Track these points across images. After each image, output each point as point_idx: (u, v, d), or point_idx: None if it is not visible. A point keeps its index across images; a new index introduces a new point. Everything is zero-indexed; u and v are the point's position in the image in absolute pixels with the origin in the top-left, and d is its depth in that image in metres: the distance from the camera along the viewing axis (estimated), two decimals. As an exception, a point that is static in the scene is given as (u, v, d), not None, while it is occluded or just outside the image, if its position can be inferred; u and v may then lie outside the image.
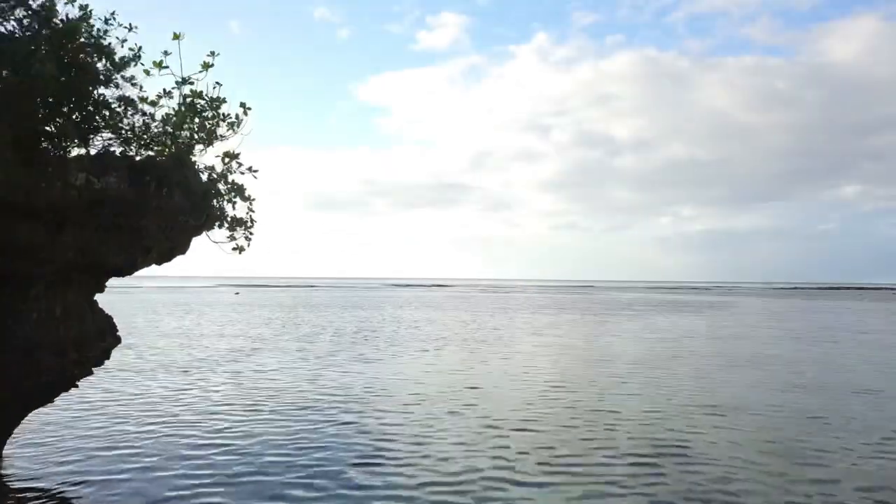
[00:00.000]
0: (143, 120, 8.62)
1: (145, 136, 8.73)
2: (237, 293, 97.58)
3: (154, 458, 9.58)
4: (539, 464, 9.50)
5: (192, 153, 9.59)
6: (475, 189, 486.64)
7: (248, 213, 10.58)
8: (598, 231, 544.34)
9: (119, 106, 8.24)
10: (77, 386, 9.35)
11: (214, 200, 10.20)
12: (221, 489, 8.32)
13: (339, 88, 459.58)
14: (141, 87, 8.46)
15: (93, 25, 7.84)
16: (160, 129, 8.77)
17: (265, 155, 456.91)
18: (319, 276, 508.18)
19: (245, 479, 8.73)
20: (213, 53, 8.80)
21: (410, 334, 30.13)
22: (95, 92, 7.94)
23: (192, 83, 8.74)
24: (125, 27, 8.19)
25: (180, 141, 9.24)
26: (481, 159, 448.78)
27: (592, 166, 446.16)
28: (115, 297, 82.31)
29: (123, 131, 8.40)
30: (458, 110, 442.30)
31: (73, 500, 7.99)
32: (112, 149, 8.41)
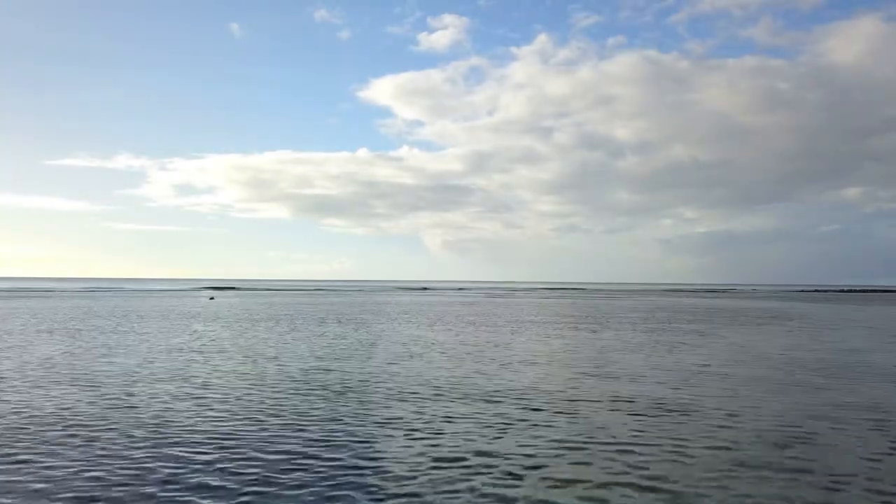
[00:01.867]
0: None
1: None
2: (212, 298, 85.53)
3: None
4: None
5: None
6: (476, 191, 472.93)
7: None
8: (600, 233, 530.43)
9: None
10: None
11: None
12: None
13: (340, 90, 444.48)
14: None
15: None
16: None
17: (262, 160, 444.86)
18: (320, 280, 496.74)
19: None
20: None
21: (394, 382, 17.68)
22: None
23: None
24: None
25: None
26: (482, 161, 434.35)
27: (594, 168, 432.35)
28: (61, 302, 69.39)
29: None
30: (458, 112, 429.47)
31: None
32: None
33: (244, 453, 10.12)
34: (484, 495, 8.25)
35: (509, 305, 71.19)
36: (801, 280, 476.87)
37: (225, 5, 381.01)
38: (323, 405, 13.93)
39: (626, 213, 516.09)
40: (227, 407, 13.67)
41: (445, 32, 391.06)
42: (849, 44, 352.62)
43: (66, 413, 12.95)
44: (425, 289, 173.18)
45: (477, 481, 8.79)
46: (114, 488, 8.41)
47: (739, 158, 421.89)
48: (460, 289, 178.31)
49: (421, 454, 10.13)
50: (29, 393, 15.13)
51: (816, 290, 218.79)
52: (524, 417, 12.87)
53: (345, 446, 10.58)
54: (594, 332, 34.76)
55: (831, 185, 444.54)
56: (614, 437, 11.30)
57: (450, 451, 10.28)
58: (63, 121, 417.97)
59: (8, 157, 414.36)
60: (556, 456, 10.09)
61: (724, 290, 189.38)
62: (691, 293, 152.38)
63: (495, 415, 13.08)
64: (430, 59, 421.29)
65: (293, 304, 70.08)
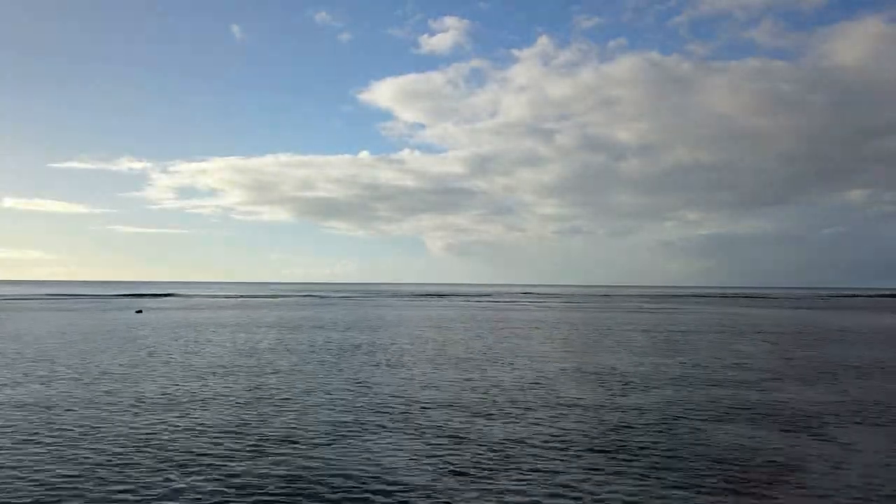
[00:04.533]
0: None
1: None
2: (139, 311, 63.27)
3: None
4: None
5: None
6: (478, 193, 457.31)
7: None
8: (603, 235, 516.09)
9: None
10: None
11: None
12: None
13: (341, 93, 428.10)
14: None
15: None
16: None
17: (263, 162, 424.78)
18: (320, 283, 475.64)
19: None
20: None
21: None
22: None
23: None
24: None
25: None
26: (484, 164, 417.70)
27: (596, 171, 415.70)
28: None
29: None
30: (460, 114, 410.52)
31: None
32: None
33: None
34: None
35: (551, 325, 48.65)
36: (805, 282, 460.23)
37: (226, 7, 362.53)
38: None
39: (629, 216, 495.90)
40: None
41: (446, 35, 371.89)
42: (852, 45, 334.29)
43: None
44: (431, 295, 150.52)
45: None
46: None
47: (742, 161, 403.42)
48: (481, 295, 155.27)
49: None
50: None
51: (855, 296, 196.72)
52: None
53: None
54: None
55: (835, 187, 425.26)
56: None
57: None
58: (65, 124, 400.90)
59: (11, 161, 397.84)
60: None
61: (757, 296, 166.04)
62: (722, 299, 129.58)
63: None
64: (431, 62, 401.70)
65: (238, 324, 47.83)
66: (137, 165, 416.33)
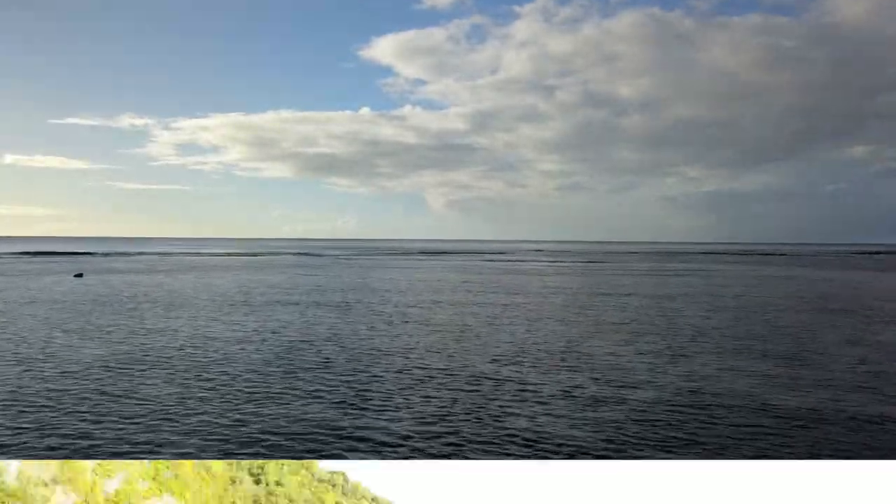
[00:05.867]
0: None
1: None
2: (80, 275, 52.31)
3: None
4: None
5: None
6: (479, 150, 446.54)
7: None
8: (604, 191, 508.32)
9: None
10: None
11: None
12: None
13: (341, 49, 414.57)
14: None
15: None
16: None
17: (265, 119, 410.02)
18: (320, 238, 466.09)
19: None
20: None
21: None
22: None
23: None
24: None
25: None
26: (485, 120, 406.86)
27: (597, 127, 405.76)
28: None
29: None
30: (461, 70, 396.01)
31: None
32: None
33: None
34: None
35: (591, 297, 37.39)
36: (807, 238, 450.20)
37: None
38: None
39: (631, 172, 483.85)
40: None
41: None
42: (854, 1, 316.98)
43: None
44: (433, 252, 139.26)
45: None
46: None
47: (744, 117, 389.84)
48: (487, 252, 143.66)
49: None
50: None
51: (889, 252, 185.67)
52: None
53: None
54: None
55: (837, 143, 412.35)
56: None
57: None
58: (67, 81, 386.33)
59: (12, 117, 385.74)
60: None
61: (778, 254, 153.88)
62: (745, 257, 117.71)
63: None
64: (431, 17, 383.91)
65: (179, 296, 36.96)
66: (139, 122, 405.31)
